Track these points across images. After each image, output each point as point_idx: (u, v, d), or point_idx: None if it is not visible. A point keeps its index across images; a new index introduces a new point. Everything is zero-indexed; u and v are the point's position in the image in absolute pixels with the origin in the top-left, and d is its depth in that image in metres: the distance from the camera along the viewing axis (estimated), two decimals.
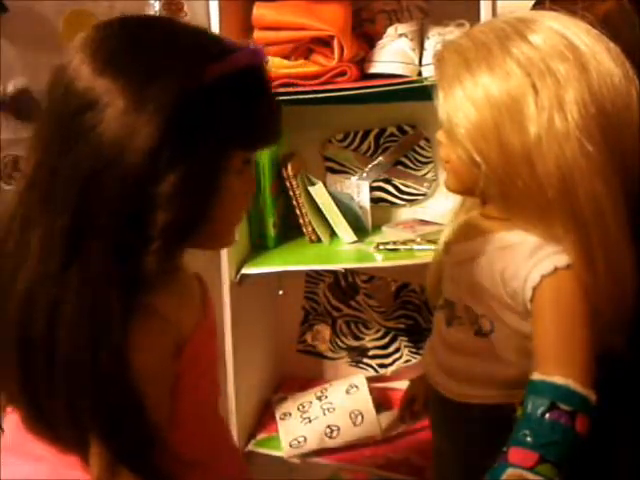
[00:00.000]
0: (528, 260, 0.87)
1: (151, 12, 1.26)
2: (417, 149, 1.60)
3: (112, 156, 0.64)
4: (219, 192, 0.69)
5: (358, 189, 1.59)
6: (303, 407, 1.56)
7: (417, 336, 1.66)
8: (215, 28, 1.28)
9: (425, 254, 1.33)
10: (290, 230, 1.56)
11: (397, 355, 1.71)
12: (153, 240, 0.65)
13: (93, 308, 0.65)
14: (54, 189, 0.67)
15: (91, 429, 0.67)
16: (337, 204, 1.49)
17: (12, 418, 0.77)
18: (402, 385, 1.37)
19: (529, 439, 0.80)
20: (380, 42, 1.42)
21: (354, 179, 1.61)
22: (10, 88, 1.16)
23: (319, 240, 1.52)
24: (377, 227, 1.57)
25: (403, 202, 1.63)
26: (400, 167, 1.61)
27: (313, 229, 1.51)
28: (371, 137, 1.61)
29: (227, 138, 0.68)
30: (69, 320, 0.66)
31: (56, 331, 0.66)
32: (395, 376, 1.67)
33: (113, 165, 0.64)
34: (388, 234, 1.52)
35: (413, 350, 1.67)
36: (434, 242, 1.19)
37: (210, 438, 0.82)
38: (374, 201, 1.60)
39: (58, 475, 0.74)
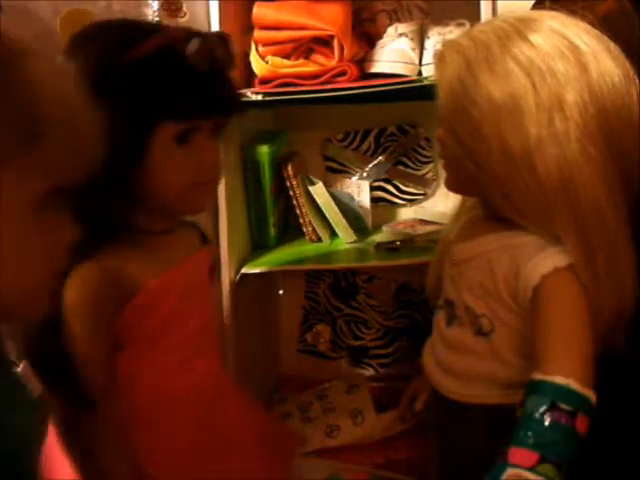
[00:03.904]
0: (528, 260, 0.87)
1: (149, 12, 1.25)
2: (417, 149, 1.60)
3: None
4: (148, 156, 0.81)
5: (358, 189, 1.59)
6: (303, 407, 1.56)
7: (417, 336, 1.65)
8: (215, 28, 1.28)
9: (425, 254, 1.33)
10: (290, 230, 1.56)
11: (397, 355, 1.71)
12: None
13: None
14: None
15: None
16: (337, 204, 1.49)
17: None
18: (402, 385, 1.37)
19: (529, 439, 0.79)
20: (380, 42, 1.42)
21: (354, 179, 1.61)
22: None
23: (319, 240, 1.52)
24: (377, 227, 1.57)
25: (403, 202, 1.63)
26: (400, 167, 1.62)
27: (313, 229, 1.51)
28: (371, 137, 1.61)
29: (148, 108, 0.80)
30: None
31: None
32: (395, 376, 1.67)
33: None
34: (388, 234, 1.52)
35: (413, 350, 1.67)
36: (434, 242, 1.19)
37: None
38: (374, 201, 1.60)
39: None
